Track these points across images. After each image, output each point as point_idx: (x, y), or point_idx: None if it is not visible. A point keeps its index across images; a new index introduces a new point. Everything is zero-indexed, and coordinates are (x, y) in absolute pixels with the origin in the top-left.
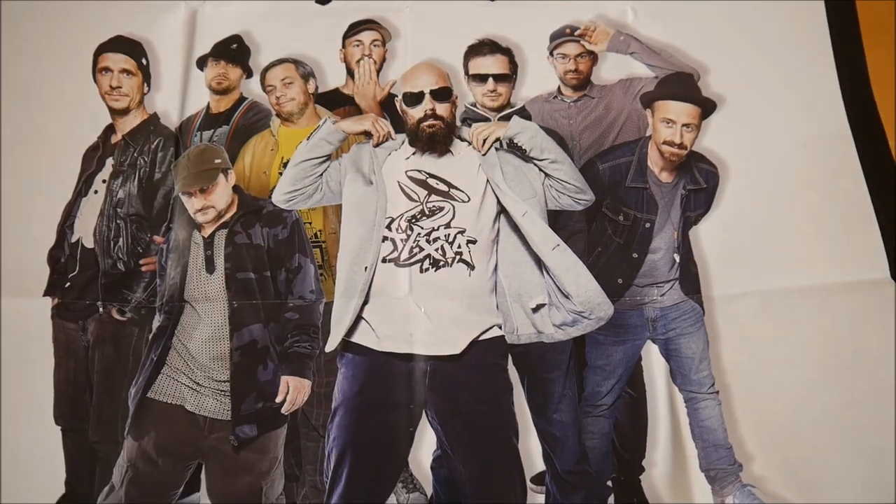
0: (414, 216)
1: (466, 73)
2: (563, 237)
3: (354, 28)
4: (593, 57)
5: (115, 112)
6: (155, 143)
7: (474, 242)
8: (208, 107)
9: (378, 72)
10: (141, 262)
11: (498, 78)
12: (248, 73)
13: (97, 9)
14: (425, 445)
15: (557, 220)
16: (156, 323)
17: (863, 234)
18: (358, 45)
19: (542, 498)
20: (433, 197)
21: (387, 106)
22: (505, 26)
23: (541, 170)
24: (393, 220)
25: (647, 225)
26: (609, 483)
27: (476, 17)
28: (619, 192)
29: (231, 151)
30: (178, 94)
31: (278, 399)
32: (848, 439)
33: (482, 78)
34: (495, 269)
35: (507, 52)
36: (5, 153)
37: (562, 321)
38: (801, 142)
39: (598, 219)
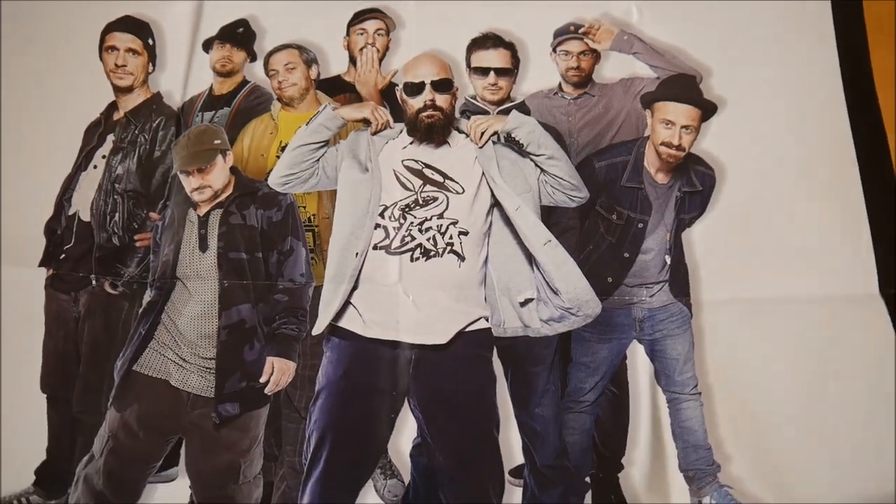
0: (408, 205)
1: (468, 65)
2: (555, 233)
3: (359, 16)
4: (596, 55)
5: (118, 90)
6: (156, 122)
7: (466, 234)
8: (211, 88)
9: (380, 61)
10: (136, 237)
11: (499, 72)
12: (253, 57)
13: None
14: (406, 433)
15: (550, 216)
16: (146, 298)
17: (856, 246)
18: (362, 34)
19: (519, 491)
20: (428, 187)
21: (387, 95)
22: (509, 21)
23: (537, 165)
24: (386, 207)
25: (640, 225)
26: (587, 479)
27: (481, 10)
28: (614, 191)
29: (231, 133)
30: (182, 75)
31: (262, 379)
32: (825, 446)
33: (484, 71)
34: (485, 261)
35: (510, 47)
36: (7, 124)
37: (549, 316)
38: (801, 150)
39: (592, 217)
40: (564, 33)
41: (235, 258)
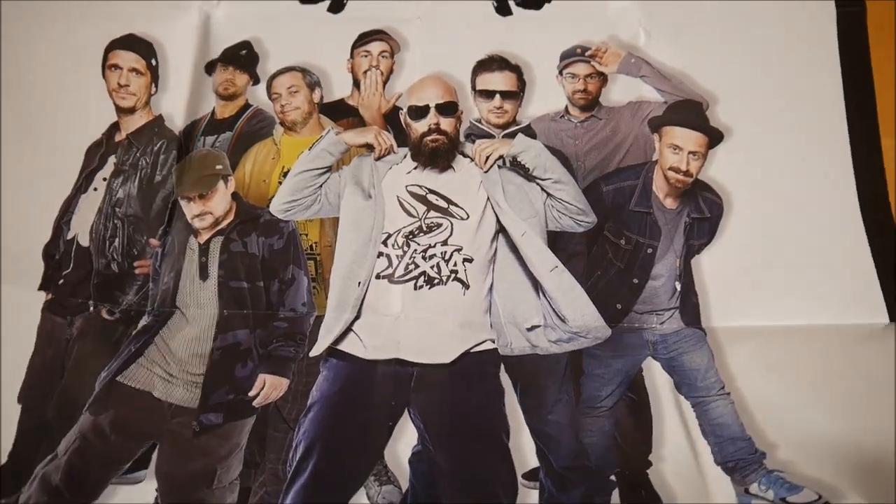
0: (411, 232)
1: (473, 88)
2: (562, 259)
3: (364, 38)
4: (603, 78)
5: (120, 110)
6: (158, 145)
7: (471, 261)
8: (213, 112)
9: (384, 83)
10: (135, 264)
11: (505, 95)
12: (255, 80)
13: (111, 5)
14: (405, 439)
15: (557, 241)
16: (142, 322)
17: (862, 275)
18: (366, 56)
19: (535, 493)
20: (432, 213)
21: (391, 119)
22: (515, 43)
23: (543, 189)
24: (390, 235)
25: (650, 250)
26: (612, 478)
27: (486, 32)
28: (623, 216)
29: (233, 158)
30: (185, 98)
31: (251, 393)
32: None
33: (489, 94)
34: (490, 288)
35: (515, 70)
36: (7, 143)
37: (557, 338)
38: (806, 180)
39: (599, 242)
40: (571, 56)
41: (236, 287)
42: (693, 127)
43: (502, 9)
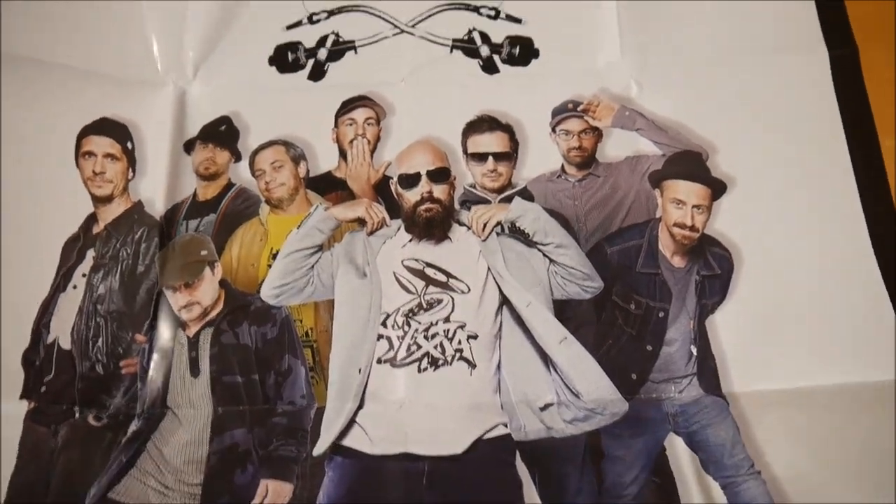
0: (411, 310)
1: (465, 151)
2: (570, 329)
3: (347, 105)
4: (598, 133)
5: (97, 200)
6: (139, 233)
7: (475, 338)
8: (195, 194)
9: (372, 152)
10: (121, 363)
11: (498, 157)
12: (237, 157)
13: (81, 89)
14: None
15: (564, 310)
16: (132, 428)
17: (885, 325)
18: (351, 124)
19: None
20: (431, 288)
21: (382, 189)
22: (504, 101)
23: (545, 255)
24: (389, 315)
25: (661, 314)
26: None
27: (474, 91)
28: (630, 278)
29: (218, 241)
30: (165, 181)
31: (254, 503)
32: None
33: (482, 157)
34: (498, 366)
35: (507, 129)
36: None
37: (573, 417)
38: (816, 225)
39: (608, 308)
40: (563, 111)
41: (230, 382)
42: (695, 179)
43: (488, 67)
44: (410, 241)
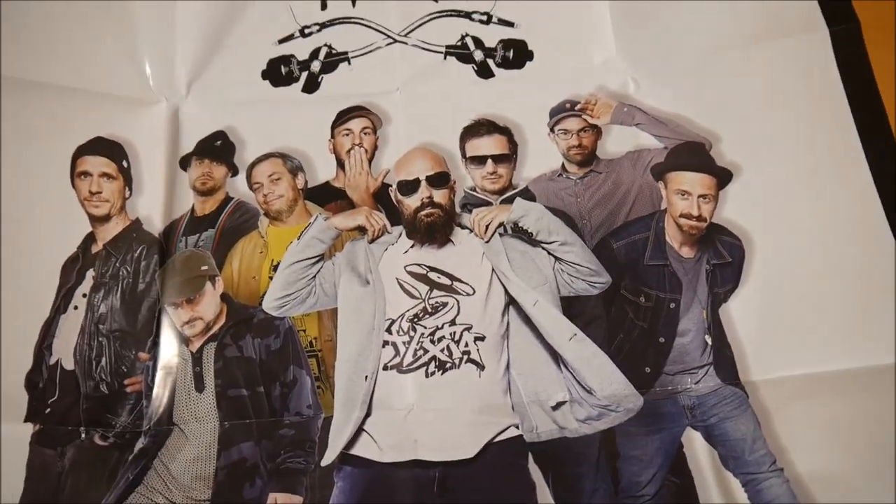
0: (416, 315)
1: (464, 155)
2: (579, 325)
3: (343, 116)
4: (597, 131)
5: (95, 219)
6: (138, 251)
7: (483, 339)
8: (193, 209)
9: (370, 161)
10: (126, 382)
11: (497, 159)
12: (234, 171)
13: (74, 109)
14: None
15: (572, 307)
16: (139, 445)
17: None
18: (348, 134)
19: None
20: (435, 292)
21: (381, 197)
22: (501, 104)
23: (550, 253)
24: (393, 321)
25: (672, 305)
26: None
27: (470, 96)
28: (638, 271)
29: (218, 256)
30: (162, 198)
31: None
32: None
33: (481, 160)
34: (507, 367)
35: (505, 132)
36: None
37: (586, 416)
38: (827, 206)
39: (618, 302)
40: (561, 111)
41: (235, 395)
42: (699, 169)
43: (483, 72)
44: (412, 246)
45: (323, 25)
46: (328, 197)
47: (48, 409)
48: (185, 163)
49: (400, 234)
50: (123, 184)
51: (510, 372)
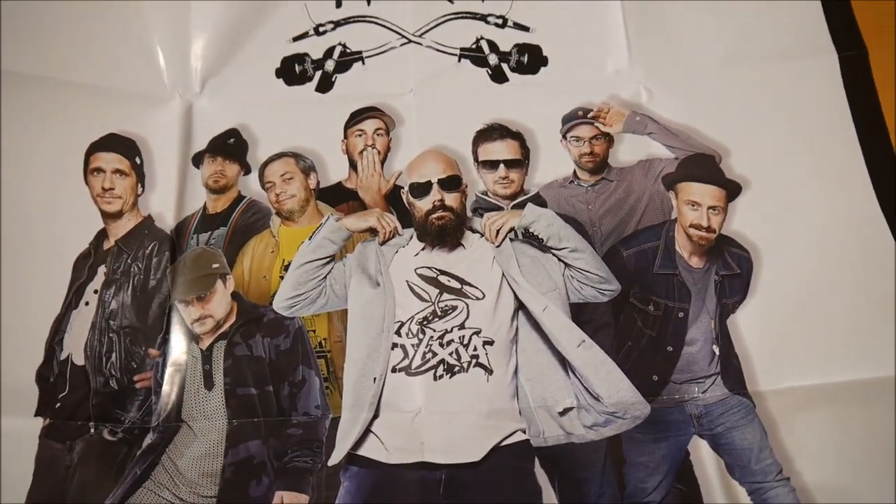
0: (425, 318)
1: (476, 159)
2: (588, 332)
3: (356, 117)
4: (609, 139)
5: (107, 216)
6: (149, 248)
7: (491, 343)
8: (205, 207)
9: (382, 162)
10: (135, 378)
11: (509, 164)
12: (247, 170)
13: (88, 105)
14: None
15: (581, 313)
16: (147, 441)
17: None
18: (361, 135)
19: None
20: (445, 296)
21: (393, 199)
22: (514, 110)
23: (560, 260)
24: (402, 323)
25: (681, 314)
26: None
27: (483, 100)
28: (647, 280)
29: (229, 254)
30: (174, 195)
31: None
32: None
33: (493, 164)
34: (515, 371)
35: (517, 137)
36: None
37: (593, 422)
38: (833, 220)
39: (626, 310)
40: (573, 119)
41: (244, 394)
42: (709, 181)
43: (497, 76)
44: (423, 249)
45: (337, 24)
46: (340, 197)
47: (58, 404)
48: (197, 160)
49: (411, 237)
50: (136, 180)
51: (518, 377)
